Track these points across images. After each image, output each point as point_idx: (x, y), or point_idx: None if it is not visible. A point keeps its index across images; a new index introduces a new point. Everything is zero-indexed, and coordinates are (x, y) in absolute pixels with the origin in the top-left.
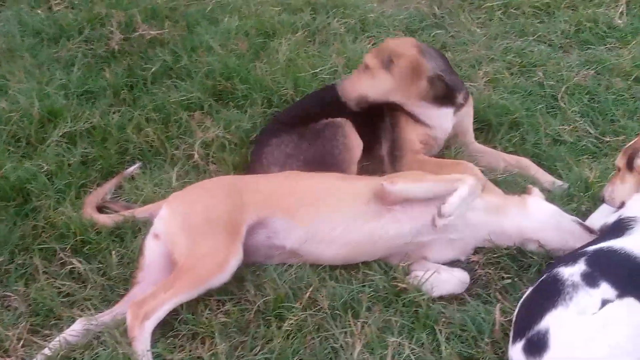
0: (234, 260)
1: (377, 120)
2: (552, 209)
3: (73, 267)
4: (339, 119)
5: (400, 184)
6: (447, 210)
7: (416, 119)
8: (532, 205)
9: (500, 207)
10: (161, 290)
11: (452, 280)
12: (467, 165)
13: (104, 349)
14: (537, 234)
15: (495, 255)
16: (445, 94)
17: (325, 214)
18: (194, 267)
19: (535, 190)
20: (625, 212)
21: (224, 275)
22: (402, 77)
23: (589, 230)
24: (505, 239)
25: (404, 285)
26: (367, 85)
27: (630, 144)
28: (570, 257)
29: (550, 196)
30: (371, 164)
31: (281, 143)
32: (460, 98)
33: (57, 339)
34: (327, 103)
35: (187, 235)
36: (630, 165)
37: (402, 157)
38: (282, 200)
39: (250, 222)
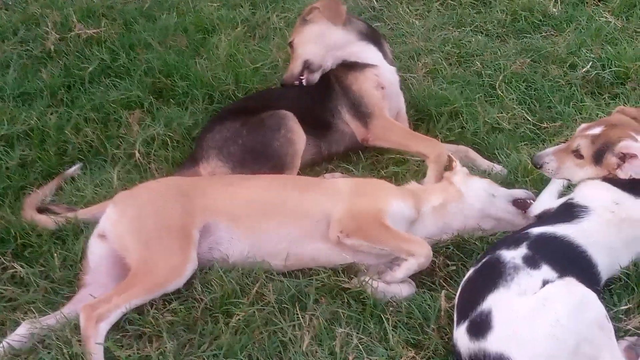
0: (190, 266)
1: (326, 95)
2: (484, 189)
3: (15, 272)
4: (283, 111)
5: (354, 239)
6: (390, 280)
7: (360, 67)
8: (468, 195)
9: (443, 206)
10: (115, 294)
11: (402, 291)
12: (436, 142)
13: (48, 352)
14: (478, 221)
15: (440, 244)
16: (368, 31)
17: (270, 228)
18: (150, 272)
19: (458, 166)
20: (577, 199)
21: (180, 281)
22: (327, 16)
23: (521, 206)
24: (450, 233)
25: (348, 286)
26: (307, 47)
27: (598, 131)
28: (512, 240)
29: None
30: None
31: (223, 128)
32: (386, 47)
33: (1, 344)
34: (275, 97)
35: (138, 239)
36: (598, 159)
37: (372, 116)
38: (227, 207)
39: (200, 226)
